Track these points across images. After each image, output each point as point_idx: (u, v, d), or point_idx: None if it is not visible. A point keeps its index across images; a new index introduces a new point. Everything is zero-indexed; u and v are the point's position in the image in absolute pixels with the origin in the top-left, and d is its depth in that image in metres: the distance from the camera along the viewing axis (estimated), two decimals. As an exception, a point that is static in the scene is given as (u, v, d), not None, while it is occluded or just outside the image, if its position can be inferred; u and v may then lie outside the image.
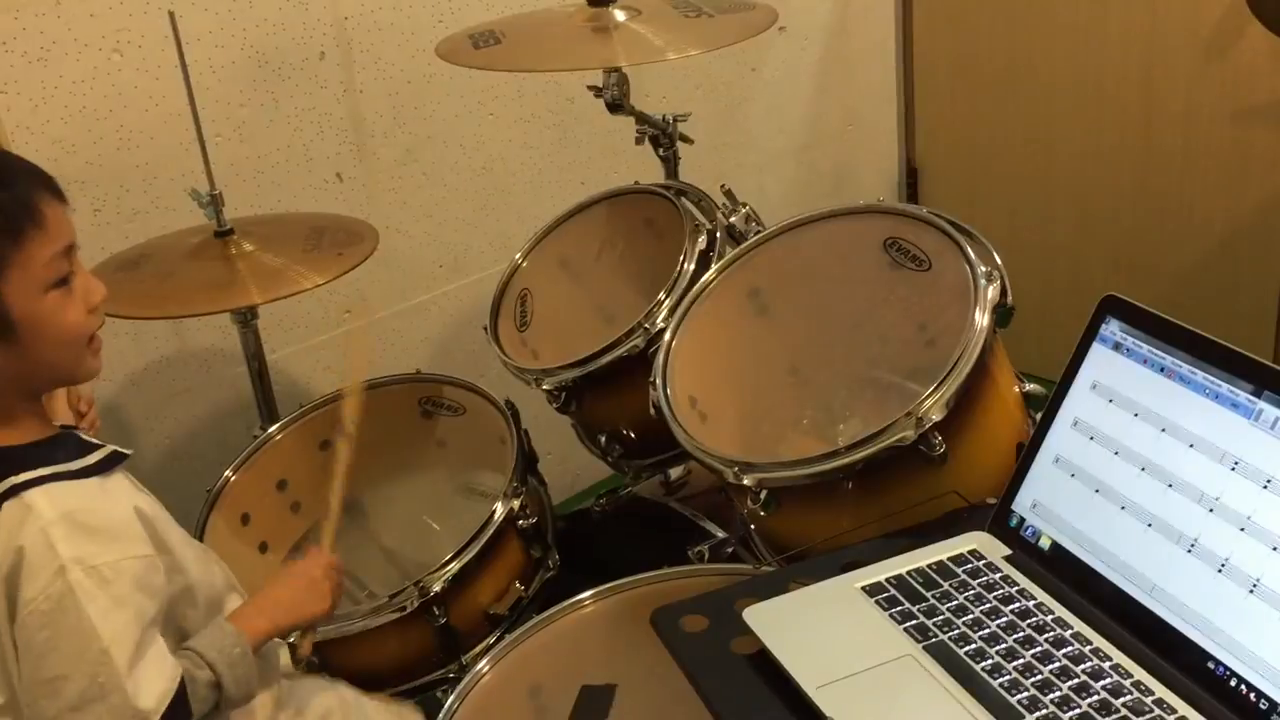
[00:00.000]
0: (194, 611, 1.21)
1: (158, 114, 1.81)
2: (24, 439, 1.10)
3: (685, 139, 1.88)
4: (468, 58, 1.68)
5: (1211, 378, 0.99)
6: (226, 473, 1.66)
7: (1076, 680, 0.95)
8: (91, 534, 1.06)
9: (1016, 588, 1.07)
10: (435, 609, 1.48)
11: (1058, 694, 0.94)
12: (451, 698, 1.32)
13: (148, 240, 1.74)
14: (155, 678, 1.08)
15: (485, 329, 1.75)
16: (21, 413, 1.12)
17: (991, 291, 1.28)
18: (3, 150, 1.12)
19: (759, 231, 1.58)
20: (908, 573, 1.09)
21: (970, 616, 1.03)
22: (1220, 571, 0.95)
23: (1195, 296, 2.47)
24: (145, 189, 1.83)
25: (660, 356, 1.45)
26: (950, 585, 1.07)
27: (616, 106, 1.78)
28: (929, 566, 1.10)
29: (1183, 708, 0.92)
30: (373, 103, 2.05)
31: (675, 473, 1.85)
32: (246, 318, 1.71)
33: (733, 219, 1.64)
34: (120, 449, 1.15)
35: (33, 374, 1.11)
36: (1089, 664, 0.97)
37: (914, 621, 1.03)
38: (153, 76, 1.79)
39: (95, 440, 1.16)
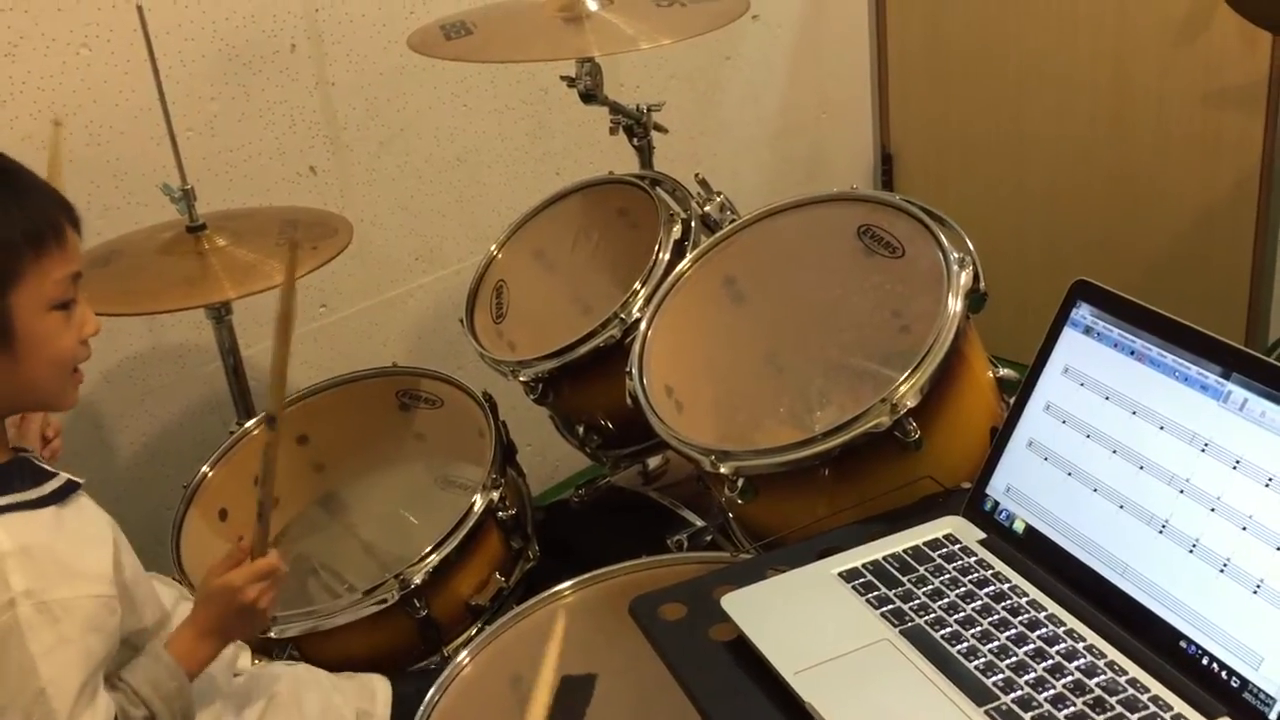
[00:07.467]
0: (145, 631, 1.19)
1: (128, 109, 1.79)
2: None
3: (660, 128, 1.88)
4: (440, 49, 1.68)
5: (1181, 360, 1.00)
6: (204, 469, 1.65)
7: (1051, 661, 0.96)
8: (48, 568, 1.04)
9: (991, 571, 1.08)
10: (416, 601, 1.48)
11: (1032, 675, 0.95)
12: (432, 690, 1.32)
13: (119, 236, 1.72)
14: None
15: (461, 321, 1.74)
16: None
17: (964, 277, 1.29)
18: (34, 175, 1.12)
19: (733, 220, 1.59)
20: (884, 558, 1.10)
21: (945, 600, 1.04)
22: (1191, 552, 0.96)
23: (1168, 280, 2.49)
24: (116, 185, 1.82)
25: (636, 346, 1.45)
26: (925, 570, 1.08)
27: (590, 97, 1.78)
28: (904, 551, 1.11)
29: (1156, 686, 0.93)
30: (345, 95, 2.04)
31: (653, 462, 1.86)
32: (220, 313, 1.70)
33: (707, 208, 1.64)
34: (73, 478, 1.13)
35: (17, 393, 1.10)
36: (1063, 645, 0.98)
37: (890, 606, 1.04)
38: (122, 71, 1.78)
39: (49, 468, 1.14)
